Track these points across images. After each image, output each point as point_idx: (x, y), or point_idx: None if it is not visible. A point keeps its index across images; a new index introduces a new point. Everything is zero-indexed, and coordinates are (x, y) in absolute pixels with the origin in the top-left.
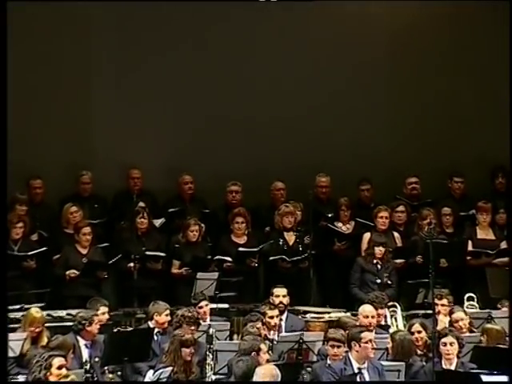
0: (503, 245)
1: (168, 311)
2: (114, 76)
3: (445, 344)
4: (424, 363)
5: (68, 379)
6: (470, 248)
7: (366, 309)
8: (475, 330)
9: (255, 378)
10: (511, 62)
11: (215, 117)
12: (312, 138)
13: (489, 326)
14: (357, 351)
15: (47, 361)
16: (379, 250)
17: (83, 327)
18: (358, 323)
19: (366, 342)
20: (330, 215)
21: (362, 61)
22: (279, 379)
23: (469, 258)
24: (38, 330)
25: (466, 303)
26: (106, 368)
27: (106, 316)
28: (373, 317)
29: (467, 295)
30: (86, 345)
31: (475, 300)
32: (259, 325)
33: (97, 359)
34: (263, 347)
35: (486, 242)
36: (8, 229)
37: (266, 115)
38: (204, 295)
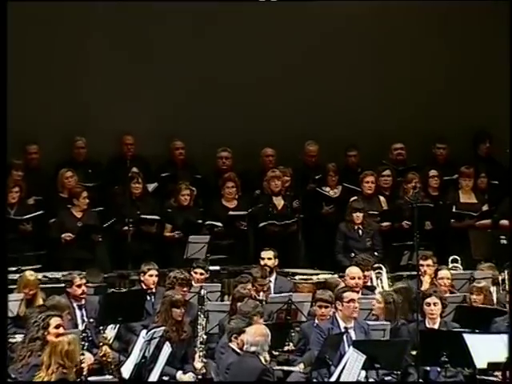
0: (485, 208)
1: (153, 271)
2: (108, 44)
3: (429, 304)
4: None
5: (66, 339)
6: (453, 211)
7: (353, 270)
8: (455, 290)
9: (246, 337)
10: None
11: (207, 84)
12: (301, 106)
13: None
14: (341, 310)
15: (45, 320)
16: (357, 216)
17: (66, 289)
18: (343, 284)
19: (349, 302)
20: (317, 177)
21: (350, 30)
22: (269, 338)
23: (452, 221)
24: (32, 292)
25: (451, 265)
26: (100, 328)
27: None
28: (359, 278)
29: (452, 257)
30: (78, 306)
31: (459, 262)
32: (249, 286)
33: (91, 320)
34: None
35: (468, 206)
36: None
37: (258, 84)
38: (203, 264)
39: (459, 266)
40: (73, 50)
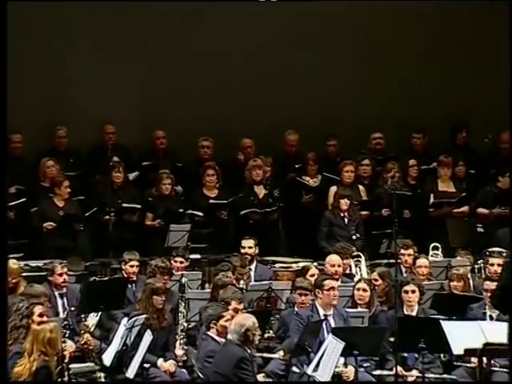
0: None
1: (134, 261)
2: (89, 33)
3: (406, 292)
4: (385, 309)
5: (48, 327)
6: (431, 200)
7: (333, 258)
8: (433, 278)
9: (231, 326)
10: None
11: (188, 74)
12: (281, 97)
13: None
14: (321, 298)
15: (28, 309)
16: (344, 203)
17: (48, 277)
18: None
19: (329, 290)
20: (297, 166)
21: (327, 19)
22: (255, 326)
23: (431, 209)
24: (14, 280)
25: (431, 252)
26: (82, 316)
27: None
28: (339, 266)
29: (432, 244)
30: (59, 294)
31: (439, 249)
32: (230, 274)
33: (73, 308)
34: (235, 304)
35: (446, 194)
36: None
37: (238, 74)
38: (184, 252)
39: (439, 253)
40: (54, 40)
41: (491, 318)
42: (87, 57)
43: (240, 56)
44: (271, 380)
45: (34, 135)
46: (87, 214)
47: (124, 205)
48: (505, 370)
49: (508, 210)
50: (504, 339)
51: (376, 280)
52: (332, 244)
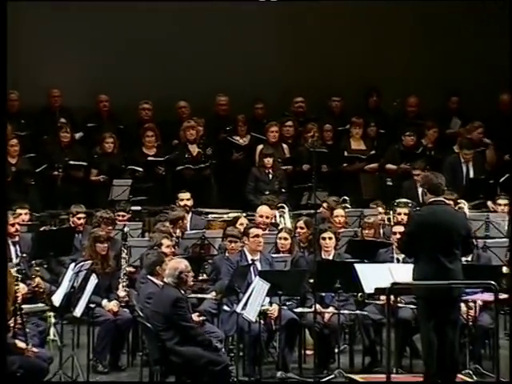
0: (373, 152)
1: (80, 214)
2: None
3: (324, 238)
4: (306, 254)
5: None
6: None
7: (264, 209)
8: (348, 226)
9: (167, 271)
10: None
11: (131, 43)
12: (214, 64)
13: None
14: (248, 245)
15: None
16: (267, 161)
17: None
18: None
19: (254, 237)
20: (228, 128)
21: None
22: (188, 268)
23: (345, 164)
24: None
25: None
26: (33, 262)
27: (25, 217)
28: (267, 217)
29: (342, 198)
30: (12, 242)
31: (348, 202)
32: (167, 224)
33: (25, 255)
34: (165, 241)
35: (358, 151)
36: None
37: (176, 43)
38: (125, 206)
39: (348, 205)
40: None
41: (398, 260)
42: (40, 26)
43: (177, 27)
44: (205, 317)
45: None
46: (37, 170)
47: (71, 162)
48: (409, 306)
49: (411, 165)
50: (408, 279)
51: (302, 228)
52: (259, 197)
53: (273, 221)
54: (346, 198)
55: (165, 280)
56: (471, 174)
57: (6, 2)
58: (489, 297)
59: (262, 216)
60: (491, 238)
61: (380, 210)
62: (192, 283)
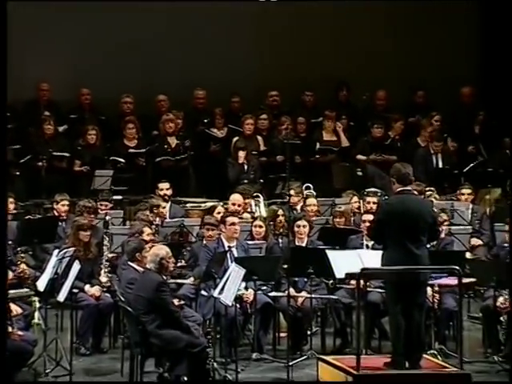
0: (344, 143)
1: (64, 201)
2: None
3: (298, 226)
4: (281, 241)
5: None
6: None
7: (235, 197)
8: (320, 214)
9: (149, 257)
10: None
11: (114, 40)
12: (192, 60)
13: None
14: (224, 232)
15: None
16: (241, 153)
17: None
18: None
19: (230, 225)
20: (205, 121)
21: None
22: (169, 254)
23: (317, 156)
24: None
25: (306, 191)
26: (18, 249)
27: (10, 206)
28: (239, 205)
29: (305, 185)
30: None
31: (311, 188)
32: (148, 212)
33: (10, 242)
34: (146, 230)
35: (330, 143)
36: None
37: (158, 40)
38: (107, 196)
39: (312, 192)
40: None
41: (367, 247)
42: (30, 23)
43: (158, 25)
44: (184, 302)
45: None
46: (22, 161)
47: (54, 153)
48: (378, 290)
49: (381, 156)
50: (377, 264)
51: (278, 216)
52: (235, 187)
53: (248, 209)
54: (309, 184)
55: (147, 266)
56: (440, 165)
57: (5, 2)
58: (453, 281)
59: (234, 204)
60: (456, 225)
61: (355, 199)
62: (172, 269)
